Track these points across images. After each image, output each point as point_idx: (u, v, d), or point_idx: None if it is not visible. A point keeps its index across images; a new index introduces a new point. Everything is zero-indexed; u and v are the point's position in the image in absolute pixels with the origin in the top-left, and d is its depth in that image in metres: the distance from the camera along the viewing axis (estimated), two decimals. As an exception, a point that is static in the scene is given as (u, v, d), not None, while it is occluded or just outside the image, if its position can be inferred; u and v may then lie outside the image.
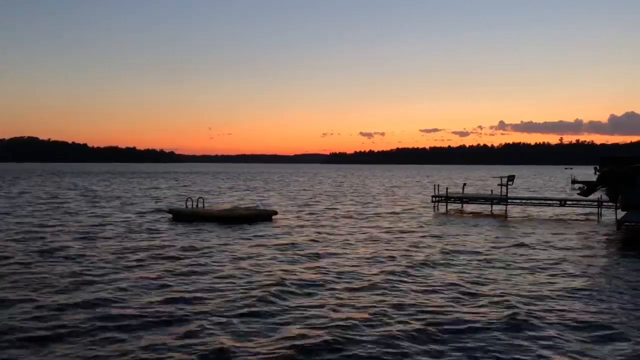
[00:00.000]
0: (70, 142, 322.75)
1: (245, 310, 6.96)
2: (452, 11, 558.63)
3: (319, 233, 14.89)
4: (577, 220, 18.97)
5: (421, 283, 8.62)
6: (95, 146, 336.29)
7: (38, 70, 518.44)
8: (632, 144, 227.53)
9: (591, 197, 20.36)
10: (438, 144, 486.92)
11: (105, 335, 5.91)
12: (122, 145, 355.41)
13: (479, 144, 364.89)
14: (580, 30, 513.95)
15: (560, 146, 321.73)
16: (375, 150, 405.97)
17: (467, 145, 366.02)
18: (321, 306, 7.19)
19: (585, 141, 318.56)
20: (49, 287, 8.15)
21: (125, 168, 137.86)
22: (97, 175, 73.08)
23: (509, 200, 21.74)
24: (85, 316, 6.62)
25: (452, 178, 68.52)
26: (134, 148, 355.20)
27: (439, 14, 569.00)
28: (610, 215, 19.45)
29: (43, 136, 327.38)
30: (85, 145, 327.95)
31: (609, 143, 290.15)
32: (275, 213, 19.14)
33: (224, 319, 6.55)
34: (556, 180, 63.63)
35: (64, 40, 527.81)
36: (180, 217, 18.13)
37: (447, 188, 26.43)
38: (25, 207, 22.53)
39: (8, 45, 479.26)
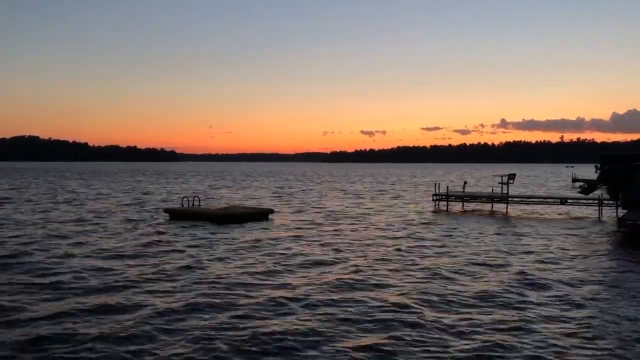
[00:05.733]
0: (71, 141, 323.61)
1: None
2: (453, 9, 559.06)
3: (309, 231, 14.75)
4: (577, 218, 18.79)
5: (424, 282, 8.47)
6: (96, 145, 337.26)
7: (39, 70, 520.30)
8: (634, 142, 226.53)
9: (592, 195, 20.18)
10: (439, 142, 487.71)
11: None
12: (123, 144, 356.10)
13: (480, 143, 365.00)
14: (583, 28, 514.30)
15: (562, 144, 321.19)
16: (376, 149, 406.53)
17: (469, 144, 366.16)
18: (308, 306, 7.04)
19: (586, 139, 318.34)
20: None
21: (143, 167, 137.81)
22: (126, 173, 72.98)
23: (510, 199, 21.57)
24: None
25: (453, 177, 68.29)
26: (135, 147, 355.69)
27: (440, 12, 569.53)
28: (611, 213, 19.30)
29: (44, 135, 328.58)
30: (86, 144, 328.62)
31: (611, 141, 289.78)
32: (272, 212, 19.04)
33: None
34: (561, 178, 63.38)
35: (65, 40, 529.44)
36: (177, 216, 17.98)
37: (447, 186, 26.38)
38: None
39: (8, 45, 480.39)
